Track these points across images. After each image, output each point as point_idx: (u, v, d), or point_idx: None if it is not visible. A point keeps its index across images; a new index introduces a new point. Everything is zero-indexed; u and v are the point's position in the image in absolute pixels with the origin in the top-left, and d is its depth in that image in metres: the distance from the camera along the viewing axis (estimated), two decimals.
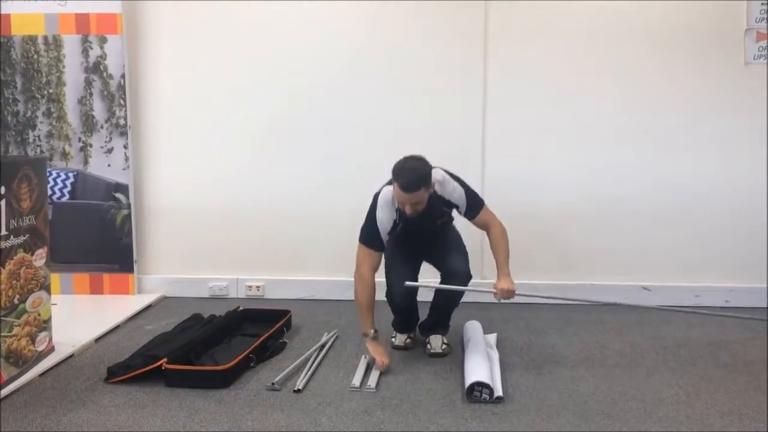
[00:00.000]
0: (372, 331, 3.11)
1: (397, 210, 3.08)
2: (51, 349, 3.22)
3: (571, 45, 4.00)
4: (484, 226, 3.21)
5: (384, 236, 3.10)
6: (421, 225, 3.13)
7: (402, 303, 3.22)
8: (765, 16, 3.90)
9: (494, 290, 3.07)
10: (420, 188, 2.93)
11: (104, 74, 4.11)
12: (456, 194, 3.13)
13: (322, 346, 3.36)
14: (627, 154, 4.06)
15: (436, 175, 3.06)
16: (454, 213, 3.24)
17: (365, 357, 3.14)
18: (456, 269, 3.19)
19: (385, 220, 3.09)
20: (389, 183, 3.07)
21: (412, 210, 2.99)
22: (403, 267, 3.22)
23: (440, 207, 3.15)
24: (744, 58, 3.93)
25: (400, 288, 3.13)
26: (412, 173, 2.93)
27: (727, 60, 3.95)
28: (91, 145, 4.17)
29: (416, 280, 3.24)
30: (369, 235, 3.11)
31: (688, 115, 4.01)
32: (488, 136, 4.09)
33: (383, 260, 3.20)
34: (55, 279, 4.02)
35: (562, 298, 3.63)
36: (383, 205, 3.10)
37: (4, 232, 2.84)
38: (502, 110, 4.07)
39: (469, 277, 3.22)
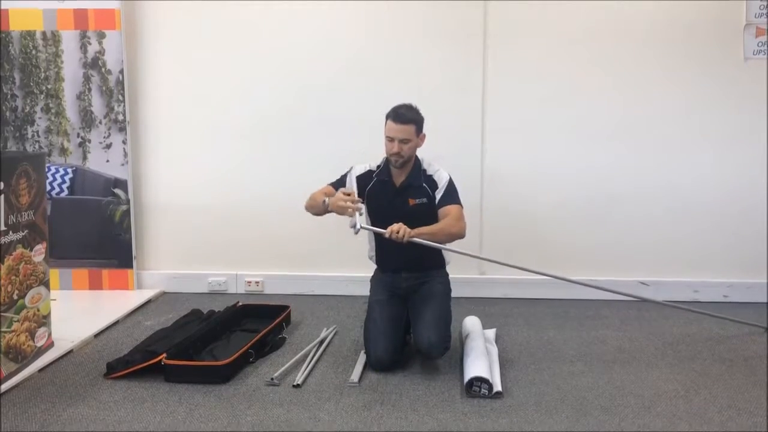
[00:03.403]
0: (329, 197, 3.02)
1: (378, 166, 3.18)
2: (50, 345, 3.22)
3: (569, 42, 4.00)
4: (443, 217, 3.09)
5: (352, 179, 3.17)
6: (395, 196, 3.12)
7: (381, 371, 3.03)
8: (764, 11, 3.89)
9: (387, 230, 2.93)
10: (412, 123, 3.05)
11: (103, 70, 4.10)
12: (441, 175, 3.16)
13: (322, 342, 3.37)
14: (626, 150, 4.06)
15: (429, 159, 3.21)
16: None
17: (364, 352, 3.14)
18: (428, 347, 3.00)
19: (360, 167, 3.23)
20: None
21: (399, 150, 3.02)
22: (381, 335, 3.06)
23: (421, 182, 3.14)
24: (743, 54, 3.93)
25: (377, 365, 3.02)
26: (407, 107, 3.10)
27: (726, 55, 3.94)
28: (89, 141, 4.17)
29: (396, 351, 3.06)
30: (337, 179, 3.22)
31: (687, 111, 4.01)
32: (487, 133, 4.09)
33: (363, 325, 3.19)
34: (54, 274, 4.02)
35: (503, 263, 3.23)
36: (362, 162, 3.24)
37: (3, 227, 2.84)
38: (501, 107, 4.07)
39: (446, 348, 3.06)
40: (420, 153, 3.23)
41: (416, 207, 3.12)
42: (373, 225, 3.15)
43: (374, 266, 3.37)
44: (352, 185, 3.18)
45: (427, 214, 3.12)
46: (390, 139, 3.07)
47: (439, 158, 3.31)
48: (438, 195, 3.13)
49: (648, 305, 3.85)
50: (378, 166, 3.22)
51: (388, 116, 3.09)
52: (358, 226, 2.93)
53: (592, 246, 4.13)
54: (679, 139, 4.03)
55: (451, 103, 4.05)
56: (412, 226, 2.96)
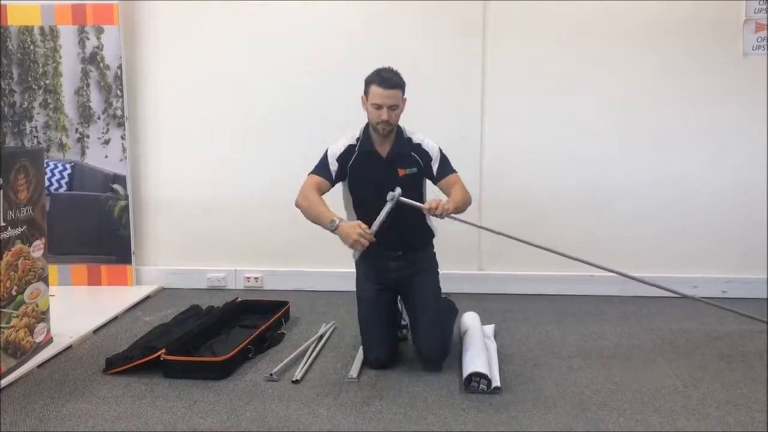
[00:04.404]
0: (338, 219, 2.83)
1: (357, 138, 3.03)
2: (49, 341, 3.22)
3: (569, 37, 3.99)
4: (450, 188, 3.01)
5: (332, 161, 3.00)
6: (383, 167, 2.97)
7: (380, 368, 3.01)
8: (764, 6, 3.89)
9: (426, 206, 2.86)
10: (398, 87, 2.90)
11: (101, 65, 4.09)
12: (430, 144, 3.06)
13: (320, 337, 3.37)
14: (625, 145, 4.06)
15: (407, 126, 3.07)
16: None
17: (362, 348, 3.14)
18: (429, 354, 2.98)
19: (336, 147, 3.04)
20: None
21: (389, 117, 2.88)
22: (377, 335, 3.04)
23: (408, 150, 3.01)
24: (742, 49, 3.93)
25: (375, 364, 3.01)
26: (390, 70, 2.95)
27: (725, 51, 3.94)
28: (88, 136, 4.16)
29: (394, 347, 3.08)
30: (317, 165, 3.05)
31: (687, 106, 4.01)
32: (487, 129, 4.08)
33: (358, 324, 3.12)
34: (53, 270, 4.02)
35: (520, 240, 3.21)
36: (339, 138, 3.07)
37: (1, 223, 2.84)
38: (500, 103, 4.06)
39: (445, 356, 3.01)
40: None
41: (406, 177, 2.99)
42: (359, 200, 3.04)
43: None
44: (333, 167, 3.01)
45: (417, 185, 3.04)
46: (377, 107, 2.89)
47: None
48: (435, 166, 3.03)
49: (647, 301, 3.86)
50: (357, 138, 3.04)
51: (371, 82, 2.92)
52: (396, 197, 2.83)
53: (590, 241, 4.11)
54: (678, 134, 4.03)
55: (450, 99, 4.05)
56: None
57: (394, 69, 2.97)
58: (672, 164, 4.05)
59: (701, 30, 3.93)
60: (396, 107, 2.91)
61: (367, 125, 3.04)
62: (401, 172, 2.99)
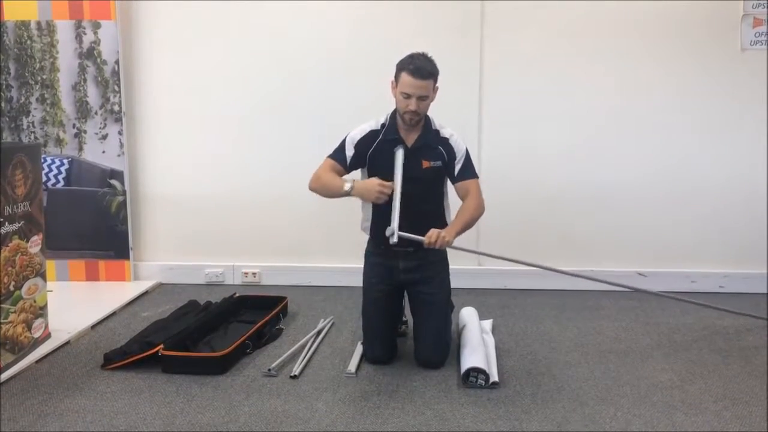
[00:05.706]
0: (351, 180, 2.79)
1: (382, 125, 2.92)
2: (47, 336, 3.22)
3: (567, 33, 3.98)
4: (465, 194, 2.93)
5: (349, 146, 2.90)
6: (407, 157, 2.83)
7: (378, 363, 3.02)
8: (763, 2, 3.89)
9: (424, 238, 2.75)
10: (432, 77, 2.78)
11: (98, 60, 4.08)
12: (458, 142, 2.94)
13: (319, 333, 3.37)
14: (623, 140, 4.06)
15: (435, 118, 2.97)
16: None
17: (361, 342, 3.14)
18: (429, 363, 2.96)
19: (357, 132, 2.92)
20: None
21: (417, 107, 2.77)
22: (379, 335, 3.02)
23: (436, 144, 2.90)
24: (741, 44, 3.92)
25: (375, 362, 3.00)
26: (425, 57, 2.81)
27: (723, 46, 3.94)
28: (85, 132, 4.15)
29: (394, 347, 3.07)
30: (335, 149, 2.95)
31: (685, 101, 4.01)
32: (484, 124, 4.08)
33: (361, 317, 3.09)
34: (51, 266, 4.01)
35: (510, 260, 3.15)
36: (362, 124, 2.95)
37: None
38: (497, 100, 4.05)
39: (443, 364, 2.97)
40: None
41: (430, 170, 2.89)
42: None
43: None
44: (349, 153, 2.91)
45: (438, 179, 2.95)
46: (406, 96, 2.77)
47: None
48: (457, 166, 2.92)
49: (645, 296, 3.86)
50: (383, 125, 2.92)
51: (403, 68, 2.78)
52: (395, 237, 2.69)
53: (589, 237, 4.13)
54: (676, 130, 4.03)
55: (447, 95, 3.96)
56: (422, 190, 2.86)
57: (429, 56, 2.84)
58: (670, 159, 4.05)
59: (699, 25, 3.93)
60: (426, 98, 2.80)
61: (395, 111, 2.92)
62: (425, 164, 2.89)
